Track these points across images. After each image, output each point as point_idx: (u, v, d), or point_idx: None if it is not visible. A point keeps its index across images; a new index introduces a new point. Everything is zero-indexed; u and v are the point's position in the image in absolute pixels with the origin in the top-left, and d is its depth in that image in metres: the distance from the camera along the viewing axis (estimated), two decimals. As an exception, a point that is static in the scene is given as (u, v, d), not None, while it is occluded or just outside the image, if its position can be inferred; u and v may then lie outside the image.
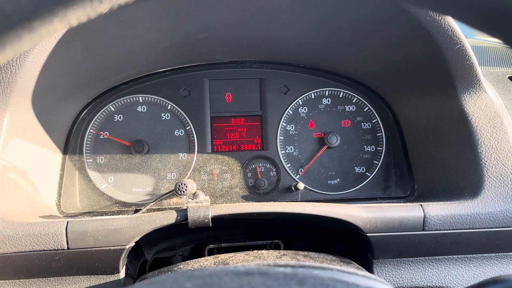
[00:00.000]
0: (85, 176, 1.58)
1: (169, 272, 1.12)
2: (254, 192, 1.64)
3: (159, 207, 1.53)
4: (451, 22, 1.21)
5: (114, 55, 1.39)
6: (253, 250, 1.25)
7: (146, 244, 1.41)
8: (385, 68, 1.52)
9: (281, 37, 1.46)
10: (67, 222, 1.15)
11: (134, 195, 1.60)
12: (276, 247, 1.56)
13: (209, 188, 1.62)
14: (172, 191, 1.46)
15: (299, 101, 1.70)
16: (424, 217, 1.22)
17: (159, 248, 1.49)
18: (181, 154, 1.65)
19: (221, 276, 0.60)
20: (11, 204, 1.22)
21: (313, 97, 1.71)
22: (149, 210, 1.49)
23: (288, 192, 1.64)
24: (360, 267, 1.16)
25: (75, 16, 0.46)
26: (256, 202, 1.61)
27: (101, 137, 1.62)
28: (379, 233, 1.22)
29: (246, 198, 1.63)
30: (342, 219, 1.19)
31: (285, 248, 1.55)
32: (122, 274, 1.22)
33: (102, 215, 1.53)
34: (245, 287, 0.57)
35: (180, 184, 1.25)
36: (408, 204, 1.27)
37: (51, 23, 0.45)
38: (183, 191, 1.24)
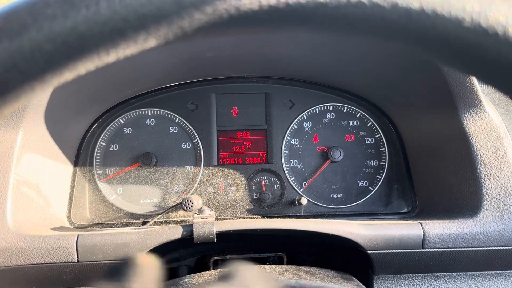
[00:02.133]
0: (95, 188, 1.62)
1: (174, 286, 1.16)
2: (259, 205, 1.68)
3: (166, 219, 1.57)
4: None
5: (124, 72, 1.44)
6: (256, 263, 1.28)
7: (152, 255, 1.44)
8: (388, 87, 1.55)
9: (287, 55, 1.50)
10: (78, 235, 1.19)
11: (142, 207, 1.64)
12: (280, 260, 1.59)
13: (215, 201, 1.66)
14: (178, 204, 1.50)
15: (304, 115, 1.74)
16: (424, 235, 1.25)
17: (165, 260, 1.53)
18: (188, 166, 1.69)
19: None
20: (23, 217, 1.26)
21: (317, 111, 1.75)
22: (156, 223, 1.53)
23: (291, 206, 1.68)
24: (360, 284, 1.19)
25: (84, 67, 0.50)
26: (260, 215, 1.65)
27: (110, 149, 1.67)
28: (379, 250, 1.25)
29: (250, 212, 1.67)
30: (343, 236, 1.23)
31: (288, 261, 1.58)
32: (129, 286, 1.26)
33: (111, 226, 1.57)
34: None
35: (186, 200, 1.29)
36: (408, 222, 1.30)
37: (61, 75, 0.50)
38: (189, 207, 1.28)
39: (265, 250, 1.59)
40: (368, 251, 1.25)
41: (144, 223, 1.59)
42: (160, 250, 1.40)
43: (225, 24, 0.45)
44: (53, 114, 1.36)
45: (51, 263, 1.18)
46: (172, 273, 1.65)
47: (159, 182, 1.66)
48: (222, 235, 1.25)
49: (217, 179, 1.68)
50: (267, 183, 1.71)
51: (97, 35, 0.44)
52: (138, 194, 1.65)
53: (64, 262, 1.18)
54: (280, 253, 1.58)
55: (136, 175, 1.66)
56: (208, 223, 1.22)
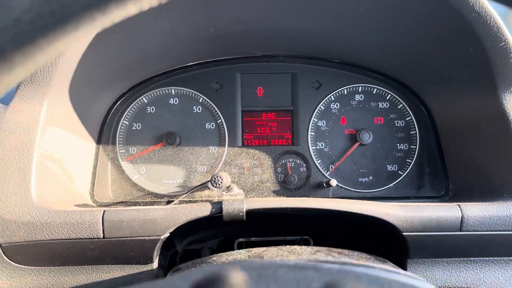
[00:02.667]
0: (117, 166, 1.59)
1: (204, 264, 1.12)
2: (284, 187, 1.63)
3: (190, 199, 1.54)
4: (497, 19, 1.18)
5: (150, 46, 1.40)
6: (282, 245, 1.24)
7: (177, 235, 1.41)
8: (423, 64, 1.49)
9: (318, 30, 1.45)
10: (104, 211, 1.15)
11: (165, 187, 1.61)
12: (306, 243, 1.55)
13: (240, 181, 1.62)
14: (204, 183, 1.46)
15: (331, 96, 1.69)
16: (462, 217, 1.20)
17: (190, 240, 1.49)
18: (211, 147, 1.65)
19: (276, 268, 0.59)
20: (48, 192, 1.23)
21: (345, 93, 1.69)
22: (181, 202, 1.50)
23: (318, 188, 1.63)
24: (397, 267, 1.14)
25: (148, 1, 0.46)
26: (287, 197, 1.61)
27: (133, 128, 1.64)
28: (415, 232, 1.20)
29: (277, 193, 1.62)
30: (378, 217, 1.18)
31: (314, 244, 1.54)
32: (155, 264, 1.23)
33: (135, 205, 1.54)
34: (301, 281, 0.56)
35: (216, 176, 1.25)
36: (446, 204, 1.24)
37: (124, 7, 0.46)
38: (219, 184, 1.24)
39: (291, 233, 1.55)
40: (404, 233, 1.20)
41: (168, 203, 1.55)
42: (185, 230, 1.37)
43: None
44: (77, 89, 1.33)
45: (76, 238, 1.15)
46: (194, 255, 1.62)
47: (182, 162, 1.62)
48: (250, 215, 1.21)
49: (242, 160, 1.64)
50: (292, 165, 1.66)
51: None
52: (161, 174, 1.62)
53: (89, 238, 1.15)
54: (306, 237, 1.54)
55: (160, 155, 1.62)
56: (238, 201, 1.18)
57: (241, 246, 1.53)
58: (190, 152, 1.63)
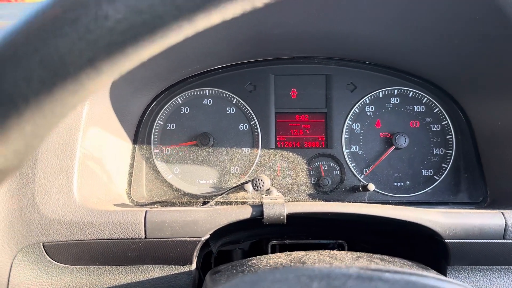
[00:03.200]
0: (152, 166, 1.60)
1: (244, 267, 1.12)
2: (319, 190, 1.62)
3: (226, 200, 1.54)
4: (546, 23, 1.15)
5: (189, 48, 1.40)
6: (315, 249, 1.23)
7: (213, 237, 1.41)
8: (463, 69, 1.47)
9: (359, 34, 1.44)
10: (146, 212, 1.16)
11: (199, 187, 1.61)
12: (340, 247, 1.54)
13: (274, 184, 1.61)
14: (240, 185, 1.46)
15: (366, 99, 1.67)
16: (506, 225, 1.18)
17: (224, 241, 1.49)
18: (245, 148, 1.65)
19: (345, 280, 0.59)
20: (89, 191, 1.24)
21: (381, 95, 1.68)
22: (216, 203, 1.50)
23: (353, 192, 1.62)
24: (441, 274, 1.13)
25: (232, 11, 0.46)
26: (322, 200, 1.60)
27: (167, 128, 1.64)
28: (457, 239, 1.18)
29: (311, 196, 1.61)
30: (421, 224, 1.16)
31: (348, 249, 1.53)
32: (194, 265, 1.23)
33: (171, 205, 1.55)
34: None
35: (257, 179, 1.25)
36: (488, 211, 1.22)
37: (209, 17, 0.46)
38: (260, 187, 1.24)
39: (323, 237, 1.53)
40: (446, 240, 1.18)
41: (204, 203, 1.56)
42: (220, 231, 1.37)
43: None
44: (118, 89, 1.34)
45: (118, 239, 1.16)
46: (225, 256, 1.62)
47: (216, 163, 1.63)
48: (287, 218, 1.20)
49: (275, 162, 1.64)
50: (326, 168, 1.65)
51: None
52: (194, 175, 1.62)
53: (131, 238, 1.16)
54: (340, 241, 1.53)
55: (194, 155, 1.63)
56: (279, 204, 1.18)
57: (274, 248, 1.53)
58: (224, 153, 1.63)
